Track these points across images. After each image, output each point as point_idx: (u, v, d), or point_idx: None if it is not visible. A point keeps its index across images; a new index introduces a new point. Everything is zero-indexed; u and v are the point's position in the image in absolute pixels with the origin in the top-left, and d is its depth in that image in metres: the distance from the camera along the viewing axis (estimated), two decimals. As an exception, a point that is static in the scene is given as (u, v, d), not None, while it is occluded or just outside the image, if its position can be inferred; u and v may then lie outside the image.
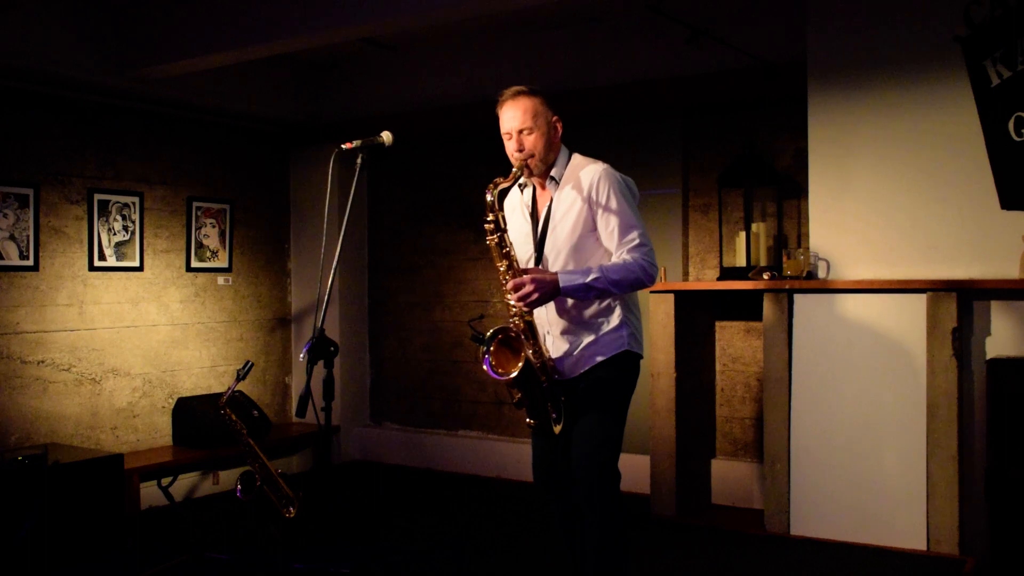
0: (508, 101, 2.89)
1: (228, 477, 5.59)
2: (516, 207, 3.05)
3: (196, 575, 3.98)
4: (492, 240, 2.81)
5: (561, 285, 2.75)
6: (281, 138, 6.29)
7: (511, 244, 2.81)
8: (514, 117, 2.87)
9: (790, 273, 4.40)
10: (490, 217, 2.79)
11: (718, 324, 5.12)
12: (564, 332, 2.91)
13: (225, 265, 5.85)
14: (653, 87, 4.99)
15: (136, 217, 5.31)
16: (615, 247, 2.80)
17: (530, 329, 2.85)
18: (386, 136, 2.92)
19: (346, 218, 2.93)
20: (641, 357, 2.95)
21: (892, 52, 4.19)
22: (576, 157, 2.95)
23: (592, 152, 3.04)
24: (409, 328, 6.34)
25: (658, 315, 4.71)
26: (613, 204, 2.79)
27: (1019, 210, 3.91)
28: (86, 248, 5.06)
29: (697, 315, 4.94)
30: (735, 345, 5.07)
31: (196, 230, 5.65)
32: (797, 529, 4.33)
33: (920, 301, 4.05)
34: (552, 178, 2.92)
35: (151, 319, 5.38)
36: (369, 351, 6.54)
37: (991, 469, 3.81)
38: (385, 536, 4.55)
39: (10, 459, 3.99)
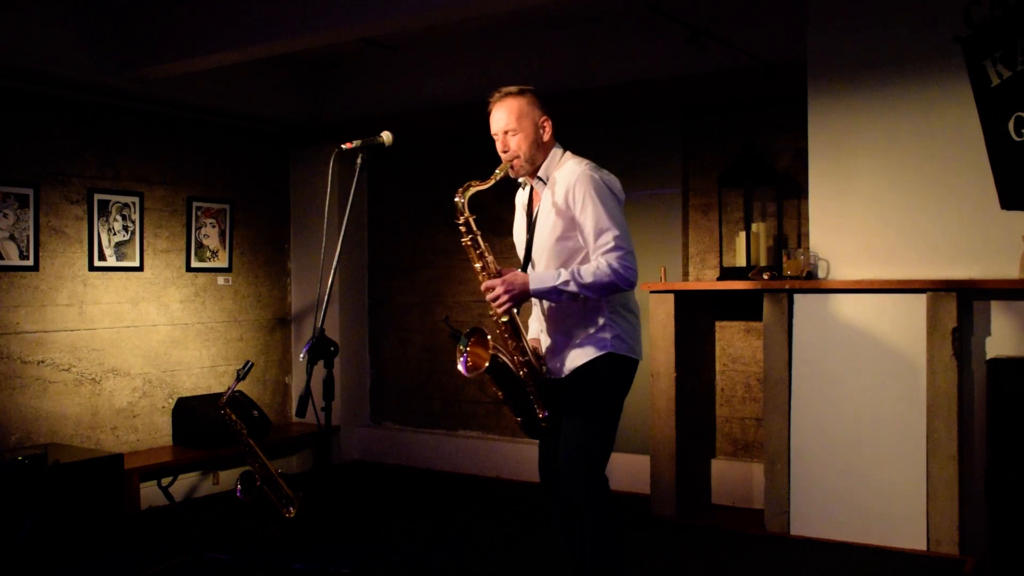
0: (495, 103, 2.92)
1: (228, 477, 5.59)
2: (520, 206, 3.06)
3: (196, 575, 3.98)
4: (466, 241, 2.85)
5: (531, 288, 2.77)
6: (281, 138, 6.29)
7: (486, 247, 2.85)
8: (499, 119, 2.90)
9: (790, 273, 4.39)
10: (460, 220, 2.83)
11: (718, 324, 5.12)
12: (552, 332, 2.93)
13: (225, 265, 5.85)
14: (653, 87, 4.99)
15: (136, 217, 5.31)
16: (591, 250, 2.79)
17: (513, 328, 2.84)
18: (386, 136, 2.92)
19: (346, 218, 2.94)
20: (632, 359, 2.91)
21: (892, 52, 4.19)
22: (566, 157, 2.93)
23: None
24: (409, 328, 6.34)
25: (658, 315, 4.71)
26: (588, 207, 2.77)
27: (1019, 210, 3.90)
28: (86, 248, 5.06)
29: (697, 315, 4.94)
30: (735, 345, 5.07)
31: (196, 230, 5.65)
32: (797, 529, 4.33)
33: (920, 301, 4.05)
34: (540, 178, 2.92)
35: (151, 319, 5.38)
36: (369, 351, 6.54)
37: (991, 469, 3.81)
38: (385, 536, 4.55)
39: (10, 459, 3.99)
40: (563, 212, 2.82)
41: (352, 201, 2.94)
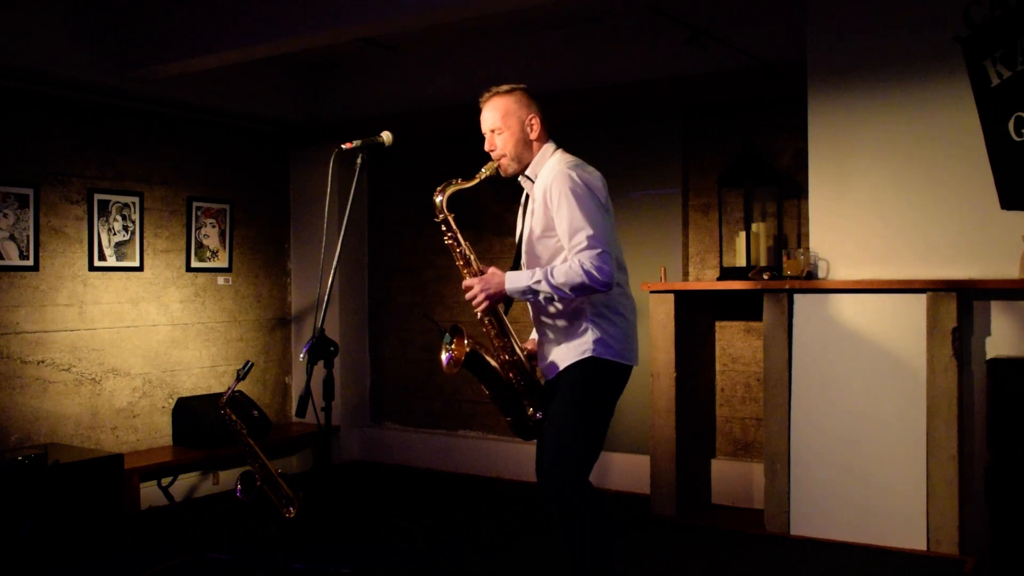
0: (484, 102, 2.94)
1: (228, 477, 5.59)
2: (522, 206, 3.06)
3: (196, 575, 3.98)
4: (447, 241, 2.87)
5: (507, 287, 2.77)
6: (281, 138, 6.29)
7: (467, 245, 2.87)
8: (485, 118, 2.92)
9: (790, 273, 4.40)
10: (439, 218, 2.85)
11: (718, 324, 5.12)
12: (540, 334, 2.94)
13: (225, 265, 5.85)
14: (653, 87, 4.99)
15: (136, 217, 5.31)
16: (567, 250, 2.77)
17: (499, 326, 2.84)
18: (386, 136, 2.93)
19: (346, 218, 2.94)
20: (618, 363, 2.84)
21: (892, 52, 4.19)
22: (556, 155, 2.90)
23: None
24: (409, 328, 6.34)
25: (658, 315, 4.71)
26: (563, 207, 2.73)
27: (1019, 210, 3.90)
28: (86, 248, 5.06)
29: (697, 315, 4.94)
30: (735, 345, 5.07)
31: (196, 230, 5.65)
32: (797, 529, 4.33)
33: (920, 301, 4.05)
34: (528, 177, 2.92)
35: (151, 319, 5.38)
36: (369, 351, 6.54)
37: (991, 469, 3.80)
38: (385, 536, 4.55)
39: (10, 459, 3.99)
40: (543, 212, 2.81)
41: (352, 201, 2.94)
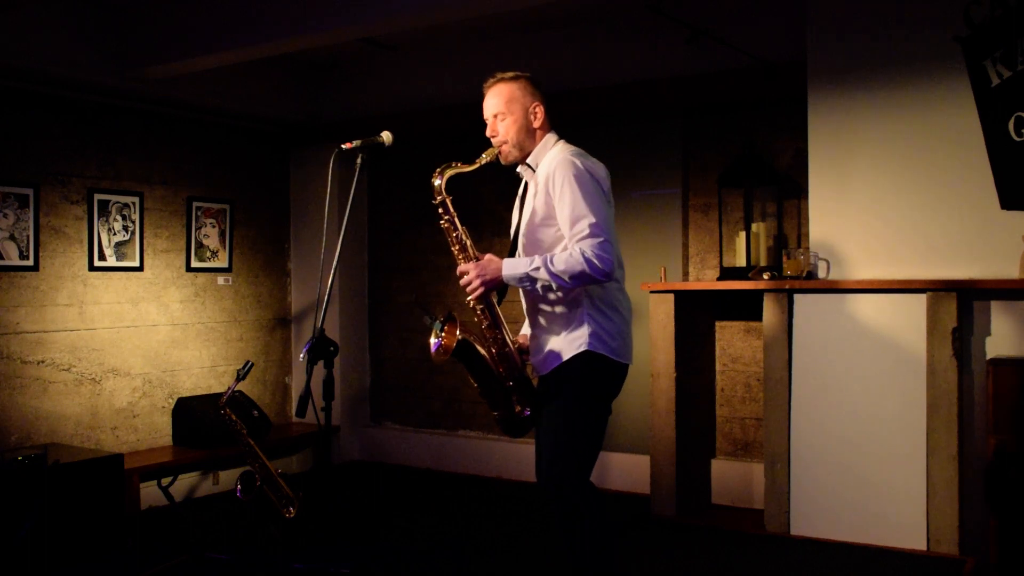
0: (488, 88, 2.92)
1: (228, 477, 5.59)
2: (519, 197, 3.01)
3: (196, 575, 3.98)
4: (443, 224, 2.81)
5: (503, 274, 2.70)
6: (281, 138, 6.29)
7: (463, 230, 2.81)
8: (489, 103, 2.89)
9: (790, 273, 4.40)
10: (436, 200, 2.80)
11: (718, 324, 5.12)
12: (534, 327, 2.87)
13: (225, 265, 5.85)
14: (653, 87, 4.99)
15: (136, 217, 5.31)
16: (567, 238, 2.71)
17: (491, 316, 2.78)
18: (386, 136, 2.92)
19: (346, 218, 2.94)
20: (613, 360, 2.78)
21: (892, 52, 4.19)
22: (559, 145, 2.87)
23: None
24: (409, 328, 6.34)
25: (658, 315, 4.71)
26: (566, 194, 2.68)
27: (1019, 210, 3.90)
28: (86, 248, 5.06)
29: (697, 315, 4.94)
30: (735, 345, 5.07)
31: (196, 230, 5.65)
32: (797, 529, 4.33)
33: (920, 301, 4.05)
34: (528, 165, 2.87)
35: (151, 319, 5.38)
36: (369, 351, 6.54)
37: (991, 469, 3.80)
38: (385, 536, 4.55)
39: (10, 459, 3.99)
40: (544, 199, 2.77)
41: (352, 201, 2.94)
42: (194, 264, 5.63)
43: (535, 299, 2.83)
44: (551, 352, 2.79)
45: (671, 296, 4.68)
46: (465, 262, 2.79)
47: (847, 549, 4.12)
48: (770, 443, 4.39)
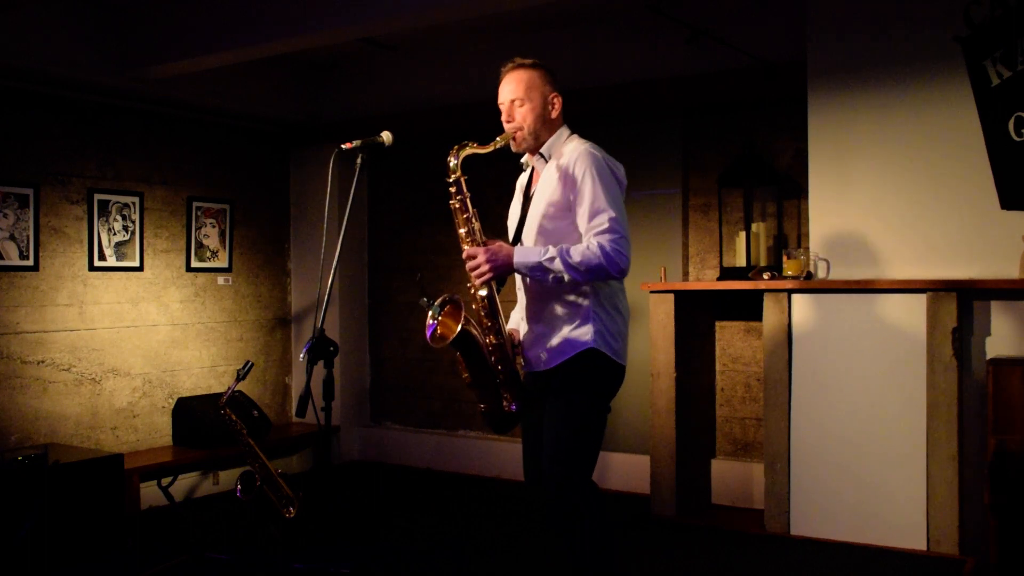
0: (507, 72, 2.84)
1: (228, 477, 5.59)
2: (519, 189, 2.98)
3: (196, 575, 3.98)
4: (454, 204, 2.72)
5: (515, 261, 2.62)
6: (281, 138, 6.29)
7: (474, 212, 2.72)
8: (508, 88, 2.81)
9: (790, 273, 4.40)
10: (451, 178, 2.70)
11: (718, 324, 5.12)
12: (533, 320, 2.79)
13: (225, 265, 5.85)
14: (653, 87, 4.99)
15: (136, 217, 5.31)
16: (584, 230, 2.65)
17: (491, 306, 2.70)
18: (386, 136, 2.91)
19: (346, 218, 2.93)
20: (614, 360, 2.74)
21: (892, 52, 4.19)
22: (576, 139, 2.83)
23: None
24: (409, 328, 6.34)
25: (658, 315, 4.71)
26: (587, 186, 2.64)
27: (1019, 210, 3.90)
28: (86, 248, 5.06)
29: (697, 315, 4.94)
30: (735, 345, 5.07)
31: (196, 230, 5.65)
32: (797, 529, 4.33)
33: (920, 301, 4.05)
34: (542, 155, 2.82)
35: (151, 319, 5.38)
36: (369, 351, 6.54)
37: (992, 469, 3.80)
38: (385, 536, 4.55)
39: (10, 459, 3.99)
40: (560, 189, 2.71)
41: (352, 201, 2.93)
42: (194, 264, 5.63)
43: (539, 292, 2.76)
44: (553, 348, 2.72)
45: (671, 296, 4.68)
46: (472, 246, 2.70)
47: (847, 549, 4.12)
48: (770, 443, 4.39)
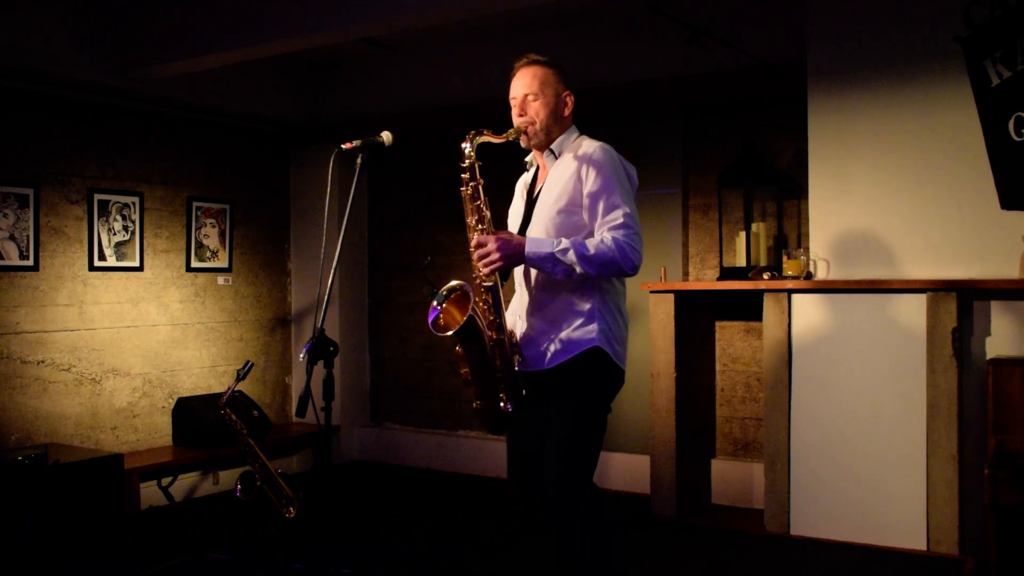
0: (521, 67, 2.82)
1: (228, 477, 5.59)
2: (521, 187, 2.97)
3: (196, 575, 3.98)
4: (465, 191, 2.68)
5: (527, 251, 2.58)
6: (281, 138, 6.29)
7: (485, 200, 2.67)
8: (522, 82, 2.79)
9: (790, 273, 4.40)
10: (465, 164, 2.67)
11: (718, 324, 5.12)
12: (534, 317, 2.74)
13: (225, 265, 5.85)
14: (653, 87, 4.99)
15: (136, 217, 5.31)
16: (597, 225, 2.63)
17: (494, 300, 2.64)
18: (386, 136, 2.91)
19: (346, 218, 2.93)
20: (614, 360, 2.71)
21: (892, 52, 4.19)
22: (587, 138, 2.84)
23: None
24: (409, 328, 6.34)
25: (658, 315, 4.71)
26: (602, 181, 2.64)
27: (1019, 210, 3.91)
28: (86, 248, 5.06)
29: (697, 315, 4.94)
30: (735, 345, 5.07)
31: (196, 230, 5.65)
32: (797, 529, 4.33)
33: (920, 301, 4.05)
34: (551, 151, 2.81)
35: (151, 319, 5.38)
36: (369, 351, 6.54)
37: (991, 469, 3.80)
38: (385, 536, 4.56)
39: (10, 459, 3.99)
40: (572, 184, 2.69)
41: (352, 201, 2.92)
42: (194, 264, 5.63)
43: (543, 287, 2.73)
44: (555, 347, 2.69)
45: (671, 296, 4.68)
46: (481, 235, 2.65)
47: (847, 549, 4.12)
48: (770, 443, 4.39)
